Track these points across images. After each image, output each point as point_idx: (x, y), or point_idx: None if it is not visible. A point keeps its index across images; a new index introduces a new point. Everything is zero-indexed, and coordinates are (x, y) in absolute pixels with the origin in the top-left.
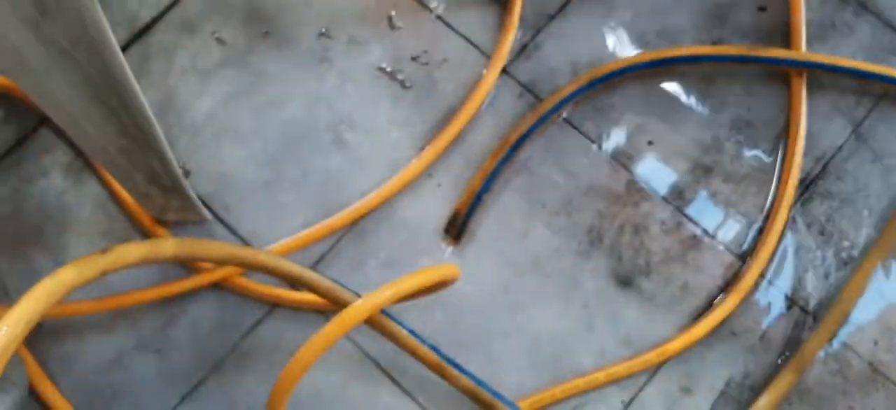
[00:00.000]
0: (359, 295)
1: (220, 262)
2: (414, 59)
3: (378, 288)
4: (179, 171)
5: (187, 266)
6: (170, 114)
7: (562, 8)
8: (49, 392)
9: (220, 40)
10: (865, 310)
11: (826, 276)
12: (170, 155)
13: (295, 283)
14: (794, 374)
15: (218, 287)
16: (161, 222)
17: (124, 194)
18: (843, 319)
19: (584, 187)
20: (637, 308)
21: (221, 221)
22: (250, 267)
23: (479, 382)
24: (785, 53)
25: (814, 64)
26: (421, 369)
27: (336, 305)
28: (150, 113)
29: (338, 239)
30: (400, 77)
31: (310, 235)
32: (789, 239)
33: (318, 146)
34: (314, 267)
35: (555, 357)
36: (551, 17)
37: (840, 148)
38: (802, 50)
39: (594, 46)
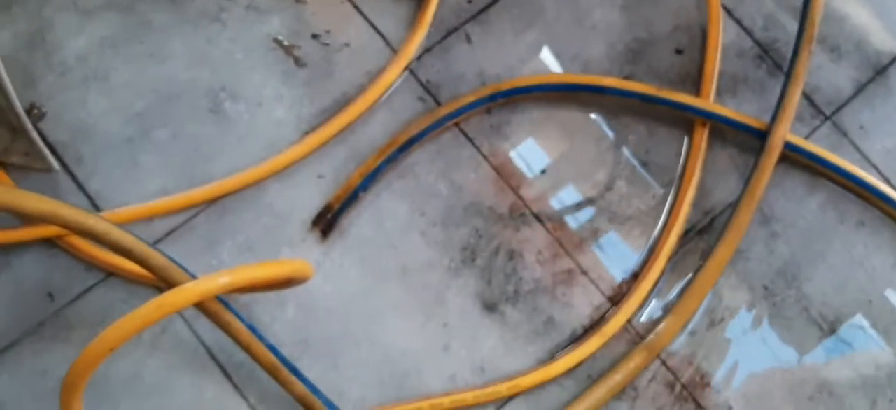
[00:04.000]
0: (194, 277)
1: (40, 219)
2: (314, 37)
3: (215, 273)
4: (22, 111)
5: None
6: (39, 49)
7: (480, 12)
8: None
9: None
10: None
11: (692, 334)
12: (11, 91)
13: (124, 255)
14: None
15: (51, 243)
16: (1, 164)
17: None
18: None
19: (466, 202)
20: (498, 335)
21: (70, 173)
22: (74, 230)
23: (315, 390)
24: (690, 100)
25: (716, 115)
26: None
27: (167, 285)
28: None
29: (195, 214)
30: (296, 53)
31: (164, 204)
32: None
33: (193, 110)
34: (161, 240)
35: (404, 374)
36: (467, 21)
37: (730, 204)
38: (710, 99)
39: (505, 59)
